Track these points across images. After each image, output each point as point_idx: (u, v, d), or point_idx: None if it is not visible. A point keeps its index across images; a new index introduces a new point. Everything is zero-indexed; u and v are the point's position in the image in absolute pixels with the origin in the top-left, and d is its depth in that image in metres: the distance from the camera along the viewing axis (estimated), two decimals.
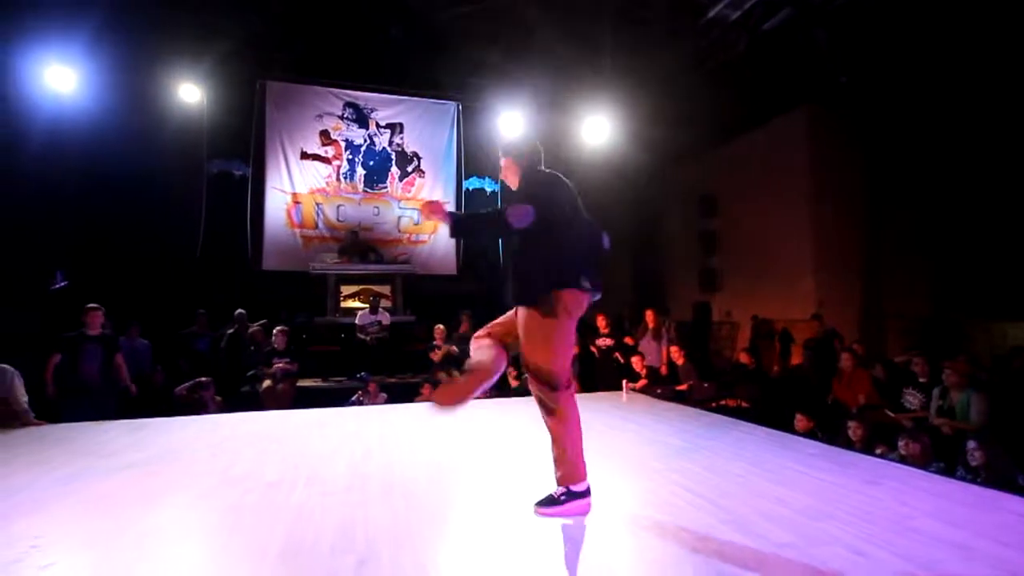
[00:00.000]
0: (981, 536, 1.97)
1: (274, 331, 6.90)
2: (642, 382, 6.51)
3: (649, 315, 7.51)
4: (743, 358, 7.38)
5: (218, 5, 8.43)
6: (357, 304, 9.08)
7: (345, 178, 10.51)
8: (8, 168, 7.54)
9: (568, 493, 2.19)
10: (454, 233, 2.26)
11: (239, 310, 7.77)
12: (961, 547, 1.88)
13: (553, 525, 2.13)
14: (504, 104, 10.20)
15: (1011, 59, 7.44)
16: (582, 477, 2.21)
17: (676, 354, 6.94)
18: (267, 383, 6.47)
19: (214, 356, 7.50)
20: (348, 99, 10.51)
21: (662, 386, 6.49)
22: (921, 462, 3.70)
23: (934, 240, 9.66)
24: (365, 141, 10.65)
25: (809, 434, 4.53)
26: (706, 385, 6.58)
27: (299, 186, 10.21)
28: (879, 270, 9.66)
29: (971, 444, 3.71)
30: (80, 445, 3.53)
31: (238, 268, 9.52)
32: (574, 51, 9.27)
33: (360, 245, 9.69)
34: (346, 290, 9.25)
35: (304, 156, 10.27)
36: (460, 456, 3.27)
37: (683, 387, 6.51)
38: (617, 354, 7.07)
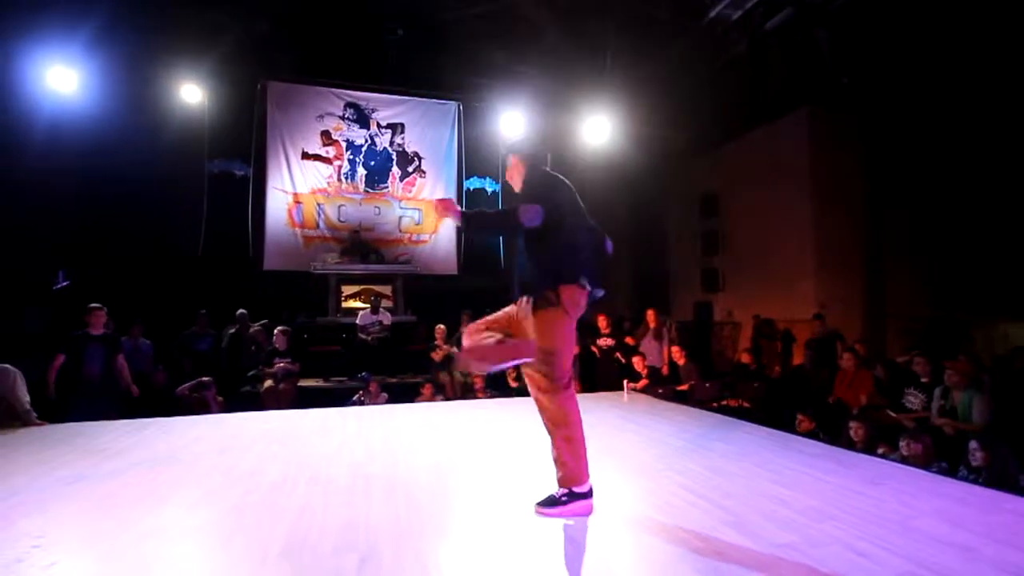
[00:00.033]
0: (983, 536, 1.97)
1: (275, 331, 6.90)
2: (643, 382, 6.51)
3: (650, 315, 7.50)
4: (744, 358, 7.38)
5: (219, 6, 8.44)
6: (358, 304, 9.09)
7: (346, 178, 10.52)
8: (10, 168, 7.55)
9: (570, 494, 2.19)
10: (466, 229, 2.31)
11: (240, 310, 7.79)
12: (963, 547, 1.88)
13: (554, 525, 2.13)
14: (505, 104, 10.21)
15: (1012, 59, 7.44)
16: (584, 478, 2.22)
17: (677, 354, 6.94)
18: (268, 383, 6.47)
19: (215, 356, 7.51)
20: (349, 99, 10.52)
21: (663, 386, 6.48)
22: (923, 462, 3.69)
23: (935, 240, 9.66)
24: (366, 141, 10.66)
25: (811, 435, 4.52)
26: (707, 385, 6.57)
27: (300, 186, 10.22)
28: (880, 270, 9.66)
29: (973, 444, 3.71)
30: (82, 445, 3.53)
31: (239, 268, 9.52)
32: (575, 51, 9.28)
33: (361, 245, 9.69)
34: (347, 290, 9.26)
35: (305, 156, 10.28)
36: (461, 456, 3.27)
37: (684, 387, 6.51)
38: (618, 354, 7.07)
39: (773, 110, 10.04)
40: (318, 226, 10.25)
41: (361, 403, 5.96)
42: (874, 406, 5.16)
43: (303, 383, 7.06)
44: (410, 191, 10.88)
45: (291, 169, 10.18)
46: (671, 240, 12.91)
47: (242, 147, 9.86)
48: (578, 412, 2.24)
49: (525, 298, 2.28)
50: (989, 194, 8.57)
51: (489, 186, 11.56)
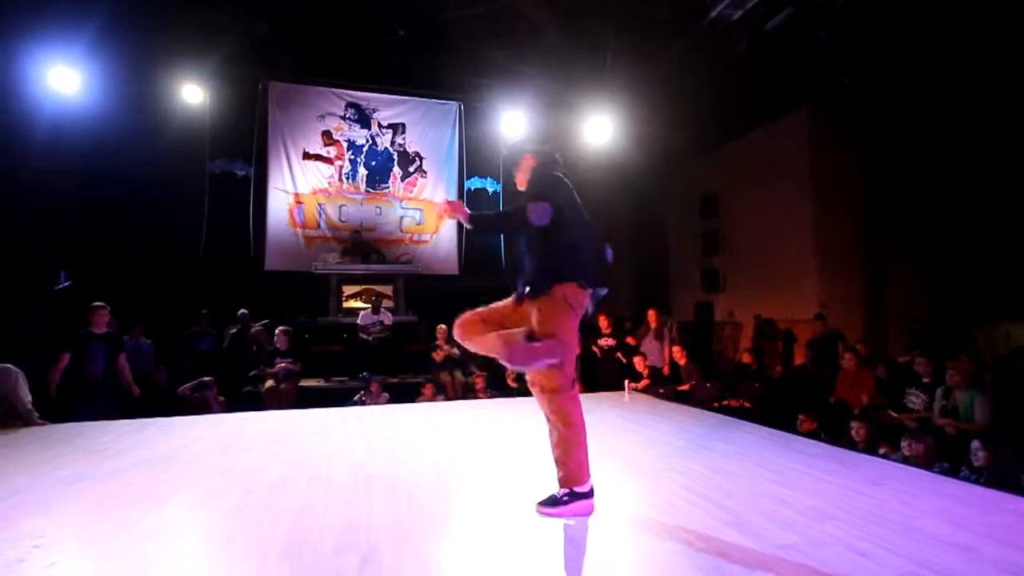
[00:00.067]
0: (985, 537, 1.96)
1: (276, 331, 6.90)
2: (644, 382, 6.51)
3: (651, 315, 7.50)
4: (746, 358, 7.37)
5: (220, 6, 8.45)
6: (359, 304, 9.10)
7: (347, 178, 10.53)
8: (12, 168, 7.57)
9: (571, 494, 2.19)
10: (475, 229, 2.34)
11: (242, 310, 7.79)
12: (965, 548, 1.88)
13: (555, 525, 2.13)
14: (506, 104, 10.21)
15: (1013, 58, 7.42)
16: (586, 478, 2.21)
17: (678, 354, 6.93)
18: (269, 383, 6.48)
19: (217, 356, 7.52)
20: (350, 99, 10.53)
21: (664, 386, 6.48)
22: (925, 462, 3.69)
23: (936, 240, 9.64)
24: (367, 141, 10.67)
25: (812, 435, 4.52)
26: (708, 385, 6.57)
27: (301, 186, 10.23)
28: (881, 270, 9.64)
29: (975, 444, 3.70)
30: (82, 445, 3.53)
31: (241, 268, 9.54)
32: (575, 51, 9.28)
33: (362, 245, 9.70)
34: (348, 290, 9.27)
35: (306, 156, 10.29)
36: (462, 456, 3.27)
37: (685, 387, 6.51)
38: (619, 354, 7.07)
39: (773, 110, 10.03)
40: (319, 226, 10.25)
41: (362, 403, 5.96)
42: (875, 406, 5.16)
43: (304, 383, 7.07)
44: (411, 191, 10.89)
45: (292, 169, 10.19)
46: (672, 240, 12.90)
47: (243, 147, 9.88)
48: (581, 413, 2.24)
49: (528, 288, 2.28)
50: (990, 193, 8.55)
51: (490, 186, 11.56)
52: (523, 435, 3.61)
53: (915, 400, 5.00)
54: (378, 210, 10.63)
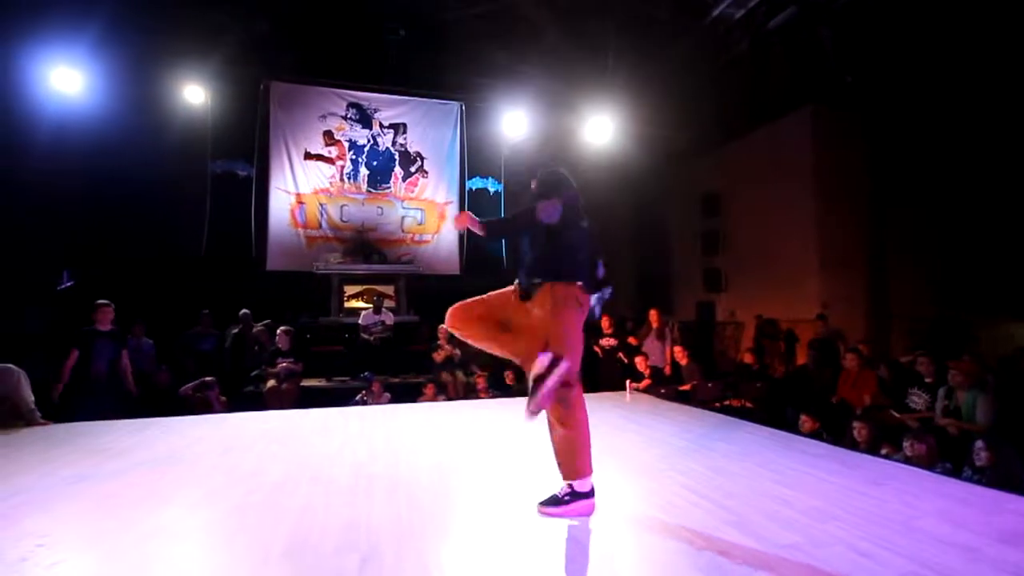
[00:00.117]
0: (987, 537, 1.96)
1: (278, 331, 6.92)
2: (646, 382, 6.51)
3: (653, 315, 7.50)
4: (747, 358, 7.37)
5: (221, 6, 8.46)
6: (361, 304, 9.11)
7: (348, 178, 10.53)
8: (14, 169, 7.59)
9: (572, 493, 2.19)
10: (490, 236, 2.37)
11: (243, 310, 7.80)
12: (967, 548, 1.87)
13: (556, 525, 2.13)
14: (507, 104, 10.20)
15: (1016, 57, 7.40)
16: (587, 478, 2.22)
17: (680, 354, 6.93)
18: (271, 383, 6.49)
19: (219, 356, 7.53)
20: (351, 99, 10.54)
21: (666, 386, 6.48)
22: (927, 463, 3.68)
23: (940, 239, 9.60)
24: (368, 141, 10.67)
25: (814, 435, 4.51)
26: (710, 385, 6.57)
27: (303, 186, 10.23)
28: (884, 269, 9.61)
29: (978, 444, 3.70)
30: (85, 445, 3.54)
31: (242, 268, 9.55)
32: (576, 51, 9.27)
33: (364, 245, 9.71)
34: (350, 290, 9.28)
35: (308, 156, 10.30)
36: (463, 456, 3.27)
37: (687, 387, 6.50)
38: (621, 354, 7.07)
39: (776, 109, 10.01)
40: (321, 226, 10.26)
41: (364, 403, 5.97)
42: (878, 406, 5.15)
43: (306, 383, 7.07)
44: (412, 191, 10.89)
45: (294, 169, 10.20)
46: (673, 240, 12.88)
47: (245, 147, 9.89)
48: (584, 412, 2.25)
49: (529, 287, 2.28)
50: (994, 193, 8.51)
51: (491, 186, 11.56)
52: (524, 435, 3.61)
53: (917, 400, 4.99)
54: (379, 210, 10.64)
